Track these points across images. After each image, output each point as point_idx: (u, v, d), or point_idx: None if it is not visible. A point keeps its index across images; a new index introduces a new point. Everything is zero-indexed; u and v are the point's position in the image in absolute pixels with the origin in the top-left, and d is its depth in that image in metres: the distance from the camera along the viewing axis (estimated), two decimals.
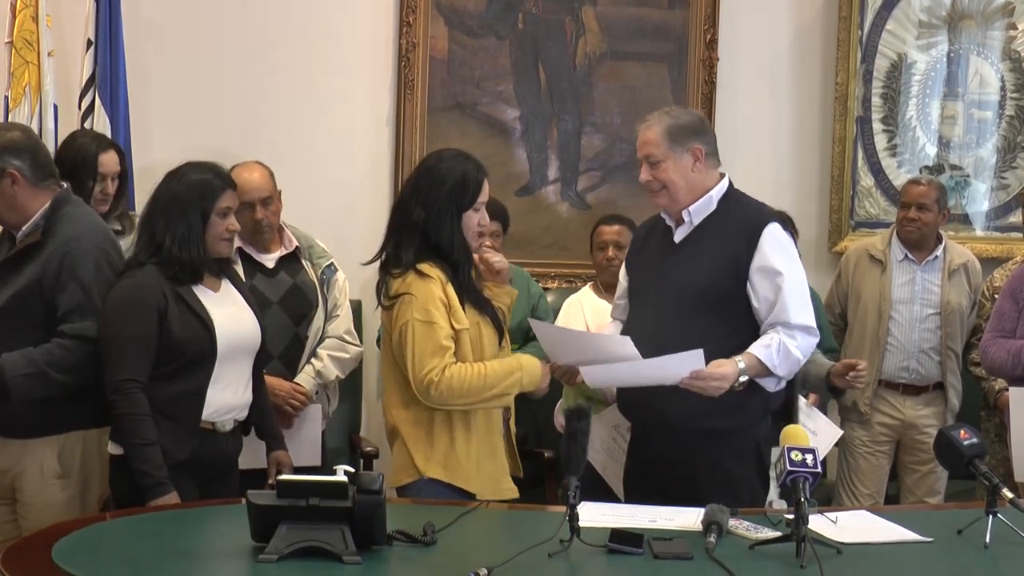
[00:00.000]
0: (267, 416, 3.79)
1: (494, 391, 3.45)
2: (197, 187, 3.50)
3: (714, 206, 3.64)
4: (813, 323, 3.59)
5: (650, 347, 3.44)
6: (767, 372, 3.49)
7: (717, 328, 3.51)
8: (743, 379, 3.45)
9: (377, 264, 3.57)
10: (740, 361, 3.44)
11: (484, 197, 3.54)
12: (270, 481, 3.59)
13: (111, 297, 3.50)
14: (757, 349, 3.49)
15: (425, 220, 3.46)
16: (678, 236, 3.66)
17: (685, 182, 3.61)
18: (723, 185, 3.68)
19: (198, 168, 3.55)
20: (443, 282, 3.44)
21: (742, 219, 3.63)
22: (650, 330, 3.54)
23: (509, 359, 3.53)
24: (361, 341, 4.88)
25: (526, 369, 3.50)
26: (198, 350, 3.46)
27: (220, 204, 3.52)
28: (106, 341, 3.46)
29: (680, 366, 3.39)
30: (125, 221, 4.44)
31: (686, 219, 3.64)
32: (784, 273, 3.55)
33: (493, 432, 3.58)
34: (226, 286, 3.63)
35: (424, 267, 3.44)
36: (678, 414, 3.47)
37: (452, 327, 3.43)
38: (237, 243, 4.33)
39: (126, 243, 4.24)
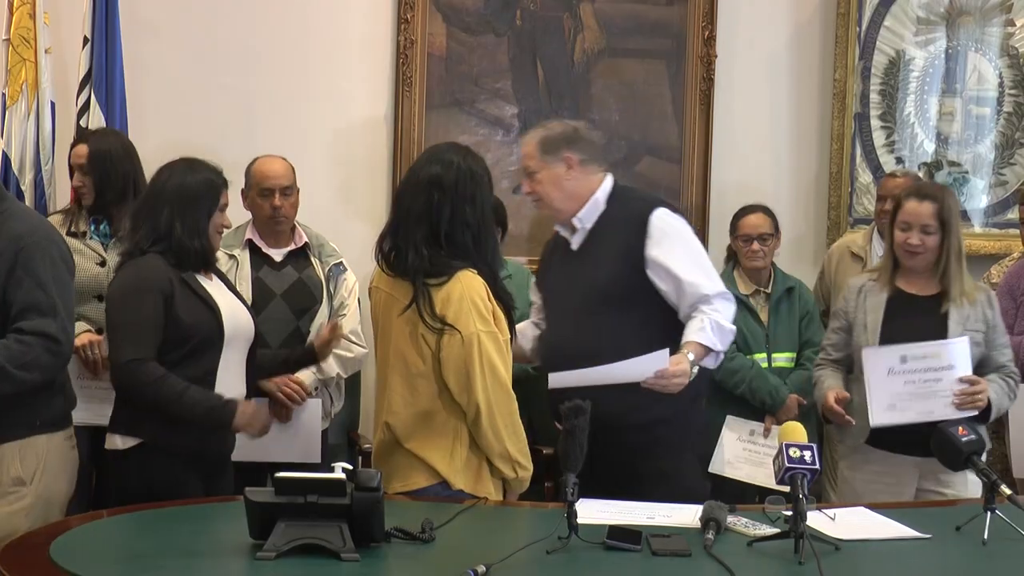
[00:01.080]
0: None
1: (510, 452, 3.41)
2: (206, 183, 3.58)
3: (603, 207, 3.76)
4: (723, 286, 3.71)
5: (570, 350, 3.57)
6: (708, 352, 3.60)
7: (629, 322, 3.63)
8: (695, 370, 3.54)
9: (374, 260, 3.54)
10: (689, 353, 3.53)
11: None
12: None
13: (116, 284, 3.55)
14: (695, 336, 3.59)
15: (478, 222, 3.42)
16: (575, 243, 3.78)
17: (560, 191, 3.74)
18: (607, 185, 3.79)
19: (196, 164, 3.61)
20: (487, 289, 3.41)
21: (629, 212, 3.75)
22: (566, 334, 3.65)
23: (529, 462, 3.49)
24: (364, 341, 4.88)
25: (527, 475, 3.49)
26: (205, 334, 3.50)
27: (222, 200, 3.60)
28: (112, 326, 3.49)
29: (646, 367, 3.48)
30: None
31: (578, 226, 3.76)
32: (680, 252, 3.67)
33: None
34: (216, 280, 3.67)
35: (467, 274, 3.39)
36: (613, 412, 3.44)
37: None
38: (248, 235, 4.43)
39: None
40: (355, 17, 5.32)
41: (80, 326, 4.11)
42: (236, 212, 4.46)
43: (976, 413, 3.83)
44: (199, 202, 3.54)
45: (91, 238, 4.28)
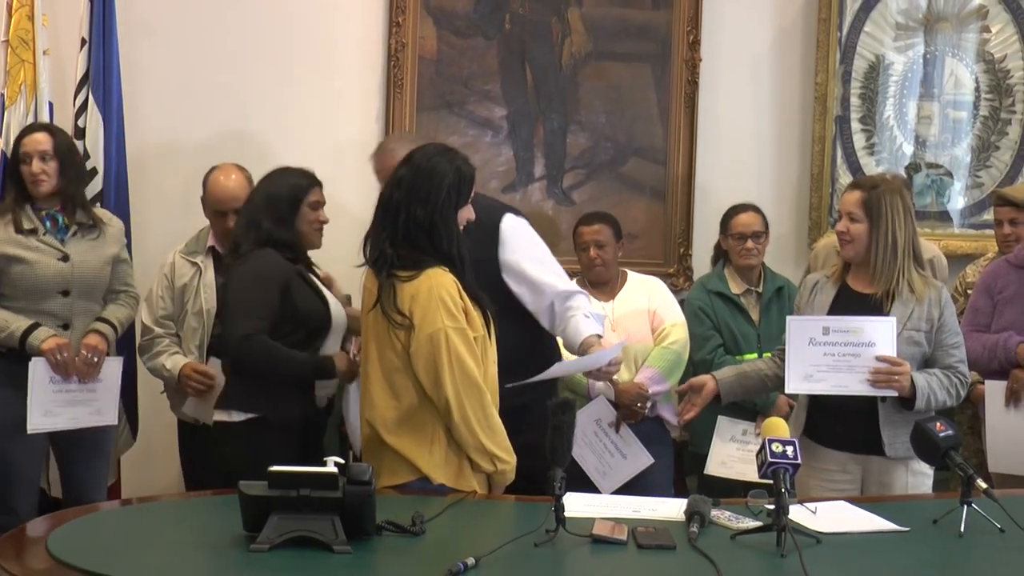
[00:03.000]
0: None
1: (485, 446, 3.39)
2: (291, 187, 3.88)
3: None
4: (572, 284, 3.98)
5: None
6: None
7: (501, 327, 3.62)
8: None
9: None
10: (612, 345, 3.76)
11: (473, 191, 3.57)
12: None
13: (238, 272, 3.78)
14: (593, 329, 3.83)
15: (430, 221, 3.41)
16: None
17: None
18: None
19: (285, 171, 3.99)
20: (459, 287, 3.41)
21: (479, 221, 3.71)
22: None
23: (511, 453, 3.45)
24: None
25: (507, 468, 3.45)
26: (318, 322, 3.82)
27: (311, 198, 3.94)
28: (229, 307, 3.79)
29: (606, 357, 3.67)
30: (86, 214, 4.32)
31: None
32: (530, 255, 3.86)
33: None
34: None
35: (438, 271, 3.40)
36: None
37: None
38: (210, 242, 4.46)
39: (91, 243, 4.25)
40: (348, 20, 5.36)
41: (44, 331, 4.13)
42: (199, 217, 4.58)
43: (895, 394, 3.78)
44: (286, 204, 3.87)
45: (45, 234, 4.21)
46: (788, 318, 3.93)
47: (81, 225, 4.27)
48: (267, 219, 3.82)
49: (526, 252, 3.88)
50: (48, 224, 4.22)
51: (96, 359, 4.18)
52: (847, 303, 3.91)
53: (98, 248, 4.28)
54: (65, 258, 4.19)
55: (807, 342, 3.82)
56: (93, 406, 4.22)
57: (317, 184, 3.99)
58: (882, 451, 3.82)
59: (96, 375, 4.19)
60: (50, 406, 4.12)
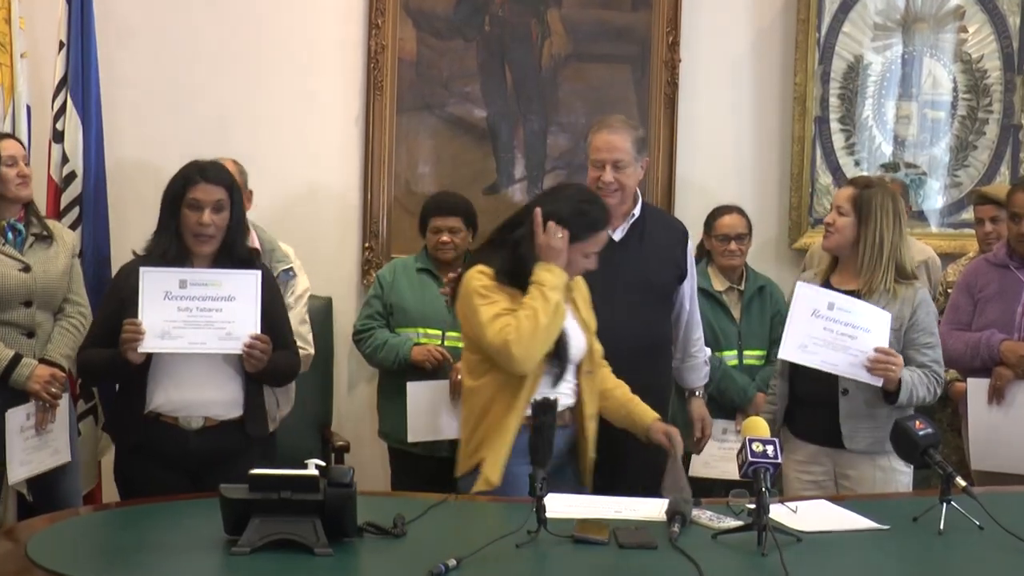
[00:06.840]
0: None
1: (547, 308, 3.39)
2: (170, 183, 3.71)
3: (639, 211, 4.12)
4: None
5: (626, 336, 3.84)
6: None
7: (660, 318, 4.12)
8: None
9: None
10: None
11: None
12: None
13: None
14: (700, 380, 4.45)
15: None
16: (617, 235, 4.06)
17: (634, 186, 4.10)
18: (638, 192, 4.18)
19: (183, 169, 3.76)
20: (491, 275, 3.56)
21: (667, 222, 4.37)
22: (620, 319, 3.86)
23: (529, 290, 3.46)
24: (332, 339, 4.91)
25: (546, 281, 3.44)
26: None
27: (189, 196, 3.64)
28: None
29: None
30: (40, 225, 4.27)
31: (625, 220, 4.10)
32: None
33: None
34: None
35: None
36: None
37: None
38: None
39: (48, 253, 4.20)
40: (328, 23, 5.35)
41: (29, 364, 4.05)
42: None
43: (880, 382, 3.81)
44: (164, 205, 3.75)
45: (4, 244, 4.13)
46: (797, 283, 3.99)
47: (36, 236, 4.22)
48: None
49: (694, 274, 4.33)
50: (10, 234, 4.18)
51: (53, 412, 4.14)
52: None
53: (55, 258, 4.22)
54: (26, 269, 4.12)
55: (810, 312, 3.84)
56: (51, 446, 4.15)
57: (196, 181, 3.68)
58: (842, 444, 3.86)
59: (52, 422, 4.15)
60: (23, 455, 4.05)
